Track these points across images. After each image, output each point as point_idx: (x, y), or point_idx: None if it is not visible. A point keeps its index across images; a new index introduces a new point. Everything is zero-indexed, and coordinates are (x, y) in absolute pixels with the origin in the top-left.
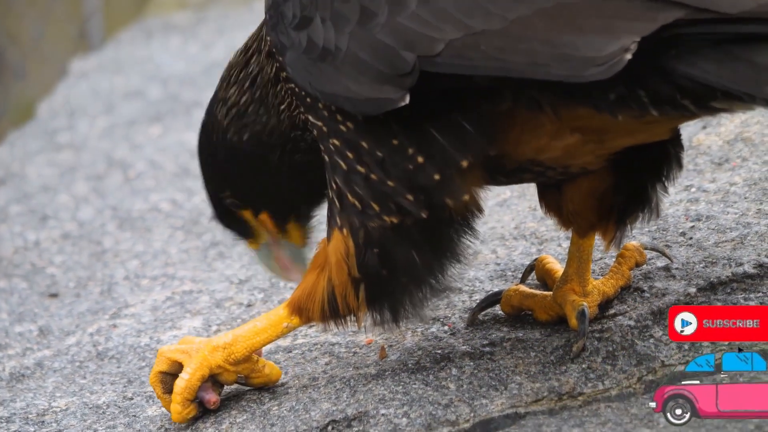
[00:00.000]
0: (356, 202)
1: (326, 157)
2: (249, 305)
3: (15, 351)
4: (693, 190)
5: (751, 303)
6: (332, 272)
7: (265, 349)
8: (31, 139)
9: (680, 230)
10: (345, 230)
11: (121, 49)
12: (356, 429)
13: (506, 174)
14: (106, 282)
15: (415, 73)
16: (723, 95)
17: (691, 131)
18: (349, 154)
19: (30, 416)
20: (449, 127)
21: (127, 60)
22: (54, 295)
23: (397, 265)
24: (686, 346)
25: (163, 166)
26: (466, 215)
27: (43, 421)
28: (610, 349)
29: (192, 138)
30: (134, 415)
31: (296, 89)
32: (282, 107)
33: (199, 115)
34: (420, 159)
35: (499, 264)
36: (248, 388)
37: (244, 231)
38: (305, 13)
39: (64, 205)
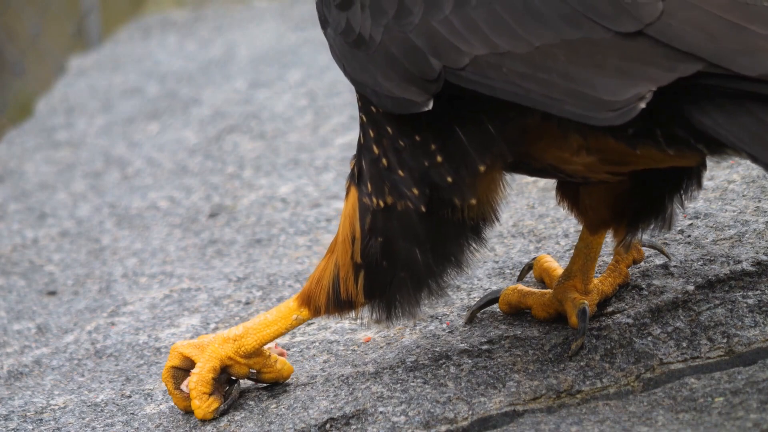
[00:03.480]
0: (366, 179)
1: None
2: (247, 303)
3: (13, 349)
4: None
5: (749, 301)
6: (338, 253)
7: None
8: (29, 136)
9: (678, 228)
10: (355, 212)
11: (119, 46)
12: (355, 427)
13: (530, 171)
14: (104, 280)
15: (440, 81)
16: (733, 147)
17: None
18: (371, 132)
19: (28, 414)
20: (474, 129)
21: (125, 57)
22: (52, 293)
23: (398, 259)
24: (684, 344)
25: (161, 163)
26: (478, 222)
27: (42, 419)
28: (609, 347)
29: (190, 135)
30: (132, 413)
31: None
32: None
33: (197, 112)
34: (439, 158)
35: (497, 262)
36: (260, 384)
37: None
38: None
39: (63, 203)
